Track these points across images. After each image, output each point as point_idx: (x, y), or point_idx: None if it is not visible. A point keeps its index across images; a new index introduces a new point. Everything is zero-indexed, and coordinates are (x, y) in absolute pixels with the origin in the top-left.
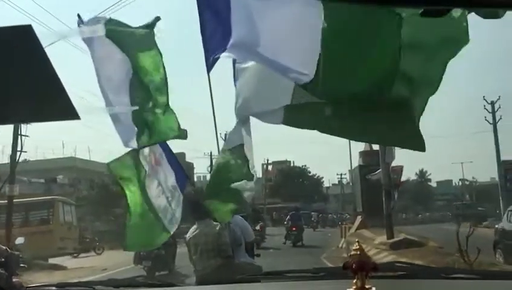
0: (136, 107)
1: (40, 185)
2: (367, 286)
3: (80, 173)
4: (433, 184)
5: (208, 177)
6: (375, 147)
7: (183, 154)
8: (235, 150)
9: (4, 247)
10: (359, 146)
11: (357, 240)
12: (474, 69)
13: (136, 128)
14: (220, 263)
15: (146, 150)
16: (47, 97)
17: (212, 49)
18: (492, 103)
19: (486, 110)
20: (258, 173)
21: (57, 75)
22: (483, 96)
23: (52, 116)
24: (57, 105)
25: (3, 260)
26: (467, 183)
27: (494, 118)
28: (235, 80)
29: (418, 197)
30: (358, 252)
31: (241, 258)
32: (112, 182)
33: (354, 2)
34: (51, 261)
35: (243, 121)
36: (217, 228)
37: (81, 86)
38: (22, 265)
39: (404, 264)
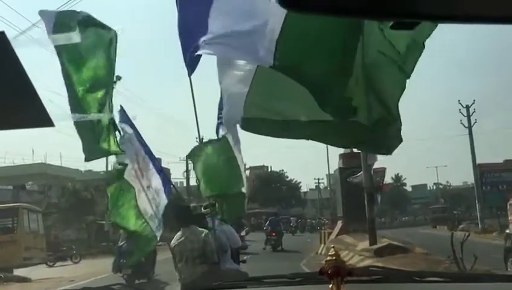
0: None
1: (7, 193)
2: None
3: (51, 179)
4: (408, 188)
5: (185, 182)
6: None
7: (159, 160)
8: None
9: None
10: (338, 149)
11: (332, 245)
12: (449, 72)
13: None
14: (206, 270)
15: (132, 157)
16: (20, 104)
17: (189, 48)
18: (468, 107)
19: (462, 113)
20: None
21: (30, 82)
22: (459, 100)
23: (25, 123)
24: (30, 112)
25: None
26: (441, 187)
27: (469, 121)
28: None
29: (394, 202)
30: (334, 258)
31: (226, 265)
32: (83, 189)
33: (325, 13)
34: (19, 272)
35: (231, 128)
36: (202, 235)
37: (52, 89)
38: None
39: (379, 268)
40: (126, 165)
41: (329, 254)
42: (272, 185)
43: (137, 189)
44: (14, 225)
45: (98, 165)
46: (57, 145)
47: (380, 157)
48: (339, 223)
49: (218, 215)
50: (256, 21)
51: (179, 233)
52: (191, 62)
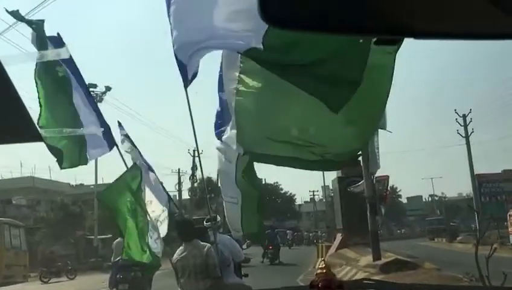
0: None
1: None
2: None
3: (40, 193)
4: (403, 200)
5: (177, 195)
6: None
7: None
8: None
9: None
10: None
11: (322, 259)
12: (444, 81)
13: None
14: (209, 285)
15: (135, 172)
16: (8, 119)
17: (185, 60)
18: (464, 116)
19: (458, 123)
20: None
21: (19, 98)
22: (455, 110)
23: (12, 138)
24: (18, 128)
25: None
26: (437, 198)
27: (466, 131)
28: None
29: (390, 214)
30: (324, 271)
31: (229, 279)
32: (72, 203)
33: (309, 31)
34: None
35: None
36: (205, 249)
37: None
38: None
39: (371, 281)
40: (139, 188)
41: (320, 267)
42: (267, 197)
43: (145, 210)
44: None
45: (89, 179)
46: (46, 157)
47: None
48: (339, 236)
49: (220, 229)
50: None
51: (181, 248)
52: (187, 75)
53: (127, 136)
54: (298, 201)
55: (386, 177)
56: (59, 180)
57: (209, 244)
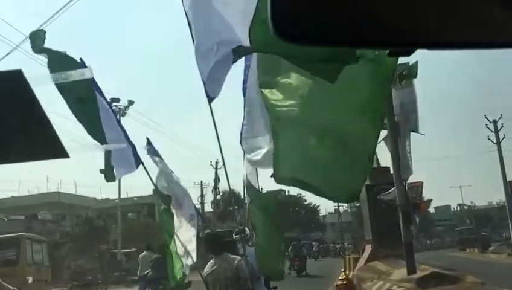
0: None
1: (19, 223)
2: None
3: (64, 208)
4: (431, 210)
5: (200, 208)
6: (384, 162)
7: None
8: None
9: (13, 288)
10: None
11: (342, 270)
12: (474, 86)
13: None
14: None
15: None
16: (36, 137)
17: (207, 75)
18: (495, 122)
19: (489, 129)
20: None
21: (46, 117)
22: (485, 115)
23: (42, 156)
24: (46, 145)
25: None
26: (466, 208)
27: (497, 136)
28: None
29: (419, 224)
30: (345, 282)
31: None
32: (96, 217)
33: (324, 45)
34: None
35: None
36: (235, 262)
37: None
38: None
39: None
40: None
41: (340, 278)
42: (290, 209)
43: (177, 226)
44: (15, 257)
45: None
46: (71, 173)
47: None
48: (368, 248)
49: (249, 242)
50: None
51: (212, 261)
52: (211, 90)
53: (156, 154)
54: (322, 212)
55: (420, 184)
56: (84, 195)
57: (239, 257)
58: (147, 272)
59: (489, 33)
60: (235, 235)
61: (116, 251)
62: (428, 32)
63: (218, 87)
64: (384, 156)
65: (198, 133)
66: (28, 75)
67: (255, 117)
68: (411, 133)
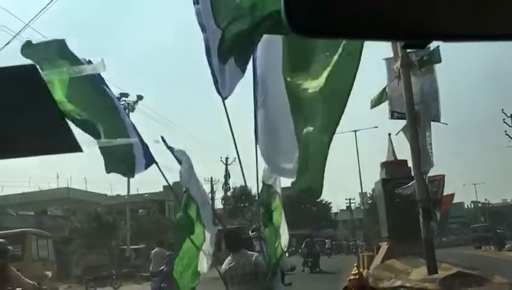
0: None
1: (28, 218)
2: None
3: (74, 204)
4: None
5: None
6: (401, 155)
7: None
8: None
9: (32, 282)
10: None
11: (355, 265)
12: (491, 81)
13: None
14: None
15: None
16: (50, 131)
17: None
18: None
19: (506, 123)
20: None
21: (60, 111)
22: (502, 110)
23: (55, 150)
24: (60, 139)
25: None
26: (480, 205)
27: None
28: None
29: (440, 220)
30: (357, 277)
31: (277, 288)
32: (106, 213)
33: (337, 37)
34: None
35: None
36: (253, 258)
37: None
38: None
39: (404, 288)
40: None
41: (353, 273)
42: (302, 206)
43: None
44: (20, 252)
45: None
46: (82, 169)
47: None
48: (384, 245)
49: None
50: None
51: (229, 258)
52: (224, 89)
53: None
54: (334, 209)
55: (441, 177)
56: (94, 191)
57: (257, 253)
58: (162, 267)
59: (506, 25)
60: (252, 232)
61: (125, 247)
62: (444, 23)
63: (232, 86)
64: (401, 149)
65: (207, 128)
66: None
67: (274, 114)
68: (432, 123)
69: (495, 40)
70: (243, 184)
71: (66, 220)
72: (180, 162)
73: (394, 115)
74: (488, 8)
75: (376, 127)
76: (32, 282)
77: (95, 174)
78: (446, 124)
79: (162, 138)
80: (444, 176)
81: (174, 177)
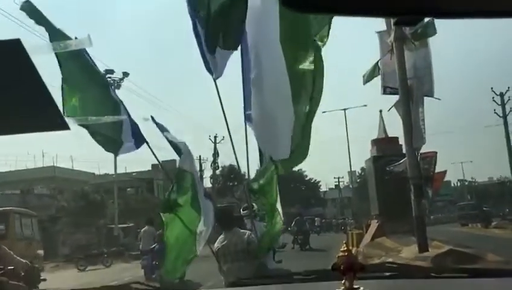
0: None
1: (14, 197)
2: (355, 286)
3: (61, 182)
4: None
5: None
6: (392, 132)
7: (174, 162)
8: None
9: (24, 260)
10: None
11: (344, 242)
12: (480, 58)
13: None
14: (253, 271)
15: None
16: (36, 109)
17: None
18: (502, 95)
19: (495, 102)
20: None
21: (46, 88)
22: (492, 88)
23: (42, 127)
24: (46, 116)
25: (23, 274)
26: (466, 183)
27: (504, 110)
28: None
29: (431, 198)
30: (346, 253)
31: (268, 265)
32: (93, 192)
33: (331, 13)
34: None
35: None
36: (245, 236)
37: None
38: (42, 278)
39: (394, 264)
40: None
41: (342, 250)
42: (291, 185)
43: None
44: (4, 231)
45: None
46: (67, 147)
47: None
48: (374, 223)
49: (258, 217)
50: None
51: (222, 236)
52: (216, 70)
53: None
54: (323, 188)
55: (434, 154)
56: (82, 170)
57: (249, 232)
58: (153, 246)
59: (502, 1)
60: (243, 210)
61: (113, 226)
62: (436, 0)
63: (222, 67)
64: (391, 126)
65: (195, 107)
66: (27, 45)
67: (269, 90)
68: (425, 98)
69: (490, 17)
70: (232, 163)
71: (53, 199)
72: (179, 153)
73: (387, 90)
74: None
75: (365, 105)
76: (24, 261)
77: (82, 152)
78: (439, 99)
79: (152, 117)
80: (436, 153)
81: (163, 156)
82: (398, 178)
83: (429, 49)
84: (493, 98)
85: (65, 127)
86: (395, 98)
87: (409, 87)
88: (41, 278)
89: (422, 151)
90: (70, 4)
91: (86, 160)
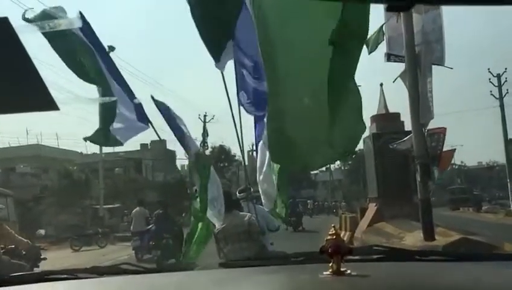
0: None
1: None
2: (342, 269)
3: (46, 162)
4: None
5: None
6: (393, 108)
7: (164, 142)
8: None
9: (26, 240)
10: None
11: (332, 225)
12: (477, 40)
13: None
14: (254, 253)
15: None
16: (24, 88)
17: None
18: (499, 76)
19: (492, 83)
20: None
21: (34, 66)
22: (488, 69)
23: (30, 107)
24: (35, 96)
25: (24, 253)
26: (456, 167)
27: (500, 92)
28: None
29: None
30: (334, 237)
31: (267, 247)
32: (79, 171)
33: None
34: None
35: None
36: (246, 218)
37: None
38: (42, 257)
39: (381, 247)
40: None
41: (330, 233)
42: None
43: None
44: None
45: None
46: (52, 125)
47: None
48: (372, 207)
49: (254, 199)
50: None
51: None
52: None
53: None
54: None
55: (443, 131)
56: (68, 149)
57: (249, 214)
58: (150, 226)
59: None
60: (239, 193)
61: (98, 206)
62: None
63: (226, 60)
64: (392, 101)
65: (186, 85)
66: (14, 23)
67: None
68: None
69: (480, 4)
70: (222, 144)
71: (37, 178)
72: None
73: (391, 58)
74: None
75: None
76: (26, 240)
77: (68, 131)
78: (451, 68)
79: (152, 97)
80: (445, 129)
81: (152, 135)
82: (400, 157)
83: (440, 10)
84: (489, 79)
85: (54, 107)
86: (394, 70)
87: (417, 55)
88: (42, 257)
89: (429, 127)
90: None
91: (74, 138)
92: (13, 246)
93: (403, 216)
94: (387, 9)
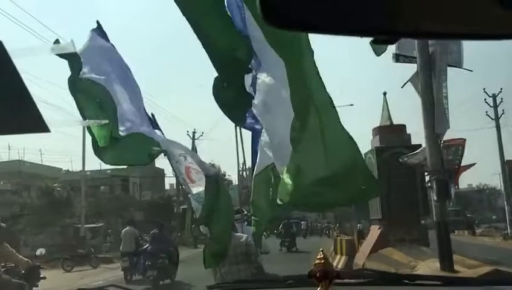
0: None
1: None
2: None
3: (28, 178)
4: None
5: (175, 182)
6: (398, 119)
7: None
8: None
9: (26, 259)
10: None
11: (321, 249)
12: (473, 59)
13: None
14: (251, 274)
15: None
16: (17, 110)
17: None
18: (494, 96)
19: (487, 104)
20: (234, 180)
21: (26, 89)
22: (484, 89)
23: (22, 129)
24: (27, 118)
25: (23, 271)
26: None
27: (496, 112)
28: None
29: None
30: (322, 261)
31: (264, 268)
32: (61, 189)
33: (308, 31)
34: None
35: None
36: (243, 240)
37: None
38: (41, 276)
39: (370, 271)
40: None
41: (318, 257)
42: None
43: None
44: None
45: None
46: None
47: None
48: (376, 230)
49: (246, 222)
50: None
51: None
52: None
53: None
54: None
55: (462, 142)
56: (51, 165)
57: (246, 235)
58: (146, 246)
59: (478, 23)
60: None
61: (80, 225)
62: (415, 21)
63: None
64: (397, 112)
65: (176, 102)
66: (8, 46)
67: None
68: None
69: (466, 39)
70: (211, 162)
71: (17, 195)
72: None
73: (400, 58)
74: (460, 7)
75: (352, 104)
76: (26, 259)
77: (53, 147)
78: (471, 70)
79: (152, 115)
80: (465, 140)
81: None
82: (407, 173)
83: None
84: (485, 99)
85: (45, 129)
86: (402, 77)
87: (431, 56)
88: (41, 276)
89: (446, 138)
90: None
91: (60, 155)
92: (13, 265)
93: (411, 241)
94: (373, 42)
